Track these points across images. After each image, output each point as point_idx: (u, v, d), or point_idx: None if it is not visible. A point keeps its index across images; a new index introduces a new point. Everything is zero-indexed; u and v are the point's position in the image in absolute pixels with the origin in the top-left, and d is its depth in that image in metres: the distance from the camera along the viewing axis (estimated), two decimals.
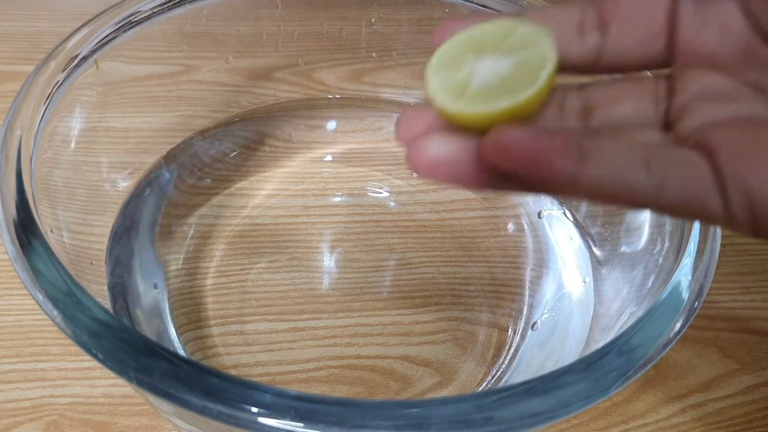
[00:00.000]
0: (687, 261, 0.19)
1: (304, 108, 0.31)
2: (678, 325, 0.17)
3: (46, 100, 0.21)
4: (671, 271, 0.19)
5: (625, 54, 0.14)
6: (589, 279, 0.25)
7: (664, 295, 0.18)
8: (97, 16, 0.23)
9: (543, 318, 0.25)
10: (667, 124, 0.14)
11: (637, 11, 0.14)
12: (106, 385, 0.24)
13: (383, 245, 0.27)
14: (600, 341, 0.22)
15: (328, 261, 0.27)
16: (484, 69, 0.14)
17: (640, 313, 0.18)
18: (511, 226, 0.28)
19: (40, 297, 0.16)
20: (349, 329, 0.25)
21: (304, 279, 0.26)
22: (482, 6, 0.27)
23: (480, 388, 0.24)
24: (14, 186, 0.18)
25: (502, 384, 0.24)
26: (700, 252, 0.19)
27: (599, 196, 0.12)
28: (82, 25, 0.23)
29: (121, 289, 0.24)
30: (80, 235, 0.23)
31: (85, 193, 0.24)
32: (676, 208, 0.12)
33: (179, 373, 0.15)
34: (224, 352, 0.24)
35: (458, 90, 0.14)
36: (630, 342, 0.17)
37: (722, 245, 0.19)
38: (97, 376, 0.24)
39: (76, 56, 0.22)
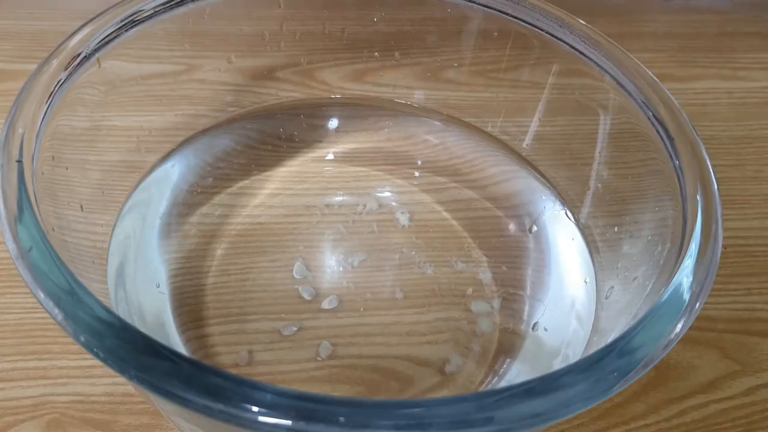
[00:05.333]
0: (688, 262, 0.19)
1: (306, 107, 0.31)
2: (679, 326, 0.17)
3: (48, 98, 0.21)
4: (672, 272, 0.19)
5: None
6: (590, 279, 0.25)
7: (665, 296, 0.18)
8: (100, 14, 0.23)
9: (543, 318, 0.25)
10: None
11: None
12: (107, 384, 0.24)
13: (384, 245, 0.27)
14: (601, 342, 0.22)
15: (330, 260, 0.27)
16: None
17: (641, 314, 0.18)
18: (512, 226, 0.28)
19: (42, 295, 0.16)
20: (350, 329, 0.25)
21: (305, 278, 0.26)
22: (485, 6, 0.27)
23: (480, 388, 0.24)
24: (16, 184, 0.18)
25: (502, 384, 0.24)
26: (701, 253, 0.19)
27: None
28: (85, 24, 0.23)
29: (122, 288, 0.24)
30: (82, 233, 0.23)
31: (87, 192, 0.24)
32: None
33: (180, 372, 0.15)
34: (225, 351, 0.24)
35: None
36: (631, 343, 0.17)
37: (724, 246, 0.19)
38: (98, 375, 0.24)
39: (79, 55, 0.22)
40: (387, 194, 0.29)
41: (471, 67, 0.31)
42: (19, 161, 0.19)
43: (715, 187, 0.21)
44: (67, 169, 0.22)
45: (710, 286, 0.18)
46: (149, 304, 0.24)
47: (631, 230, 0.25)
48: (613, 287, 0.24)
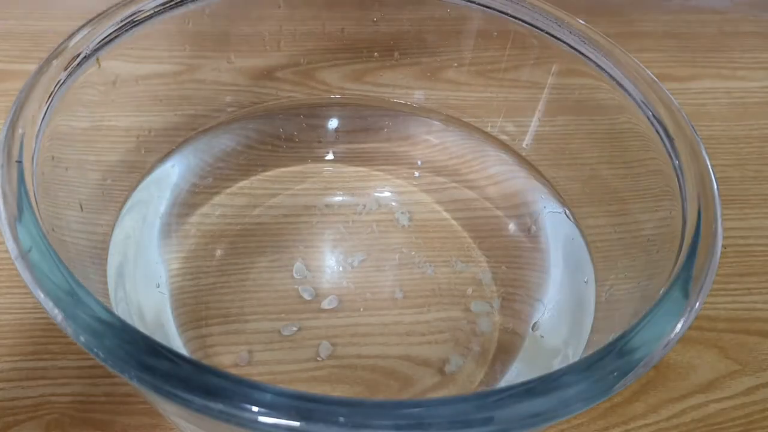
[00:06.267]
0: (688, 262, 0.19)
1: (306, 107, 0.31)
2: (679, 326, 0.17)
3: (48, 98, 0.21)
4: (672, 272, 0.19)
5: None
6: (590, 279, 0.25)
7: (665, 296, 0.18)
8: (99, 15, 0.23)
9: (543, 318, 0.25)
10: None
11: None
12: (107, 384, 0.24)
13: (384, 245, 0.27)
14: (601, 342, 0.22)
15: (329, 260, 0.27)
16: None
17: (641, 314, 0.18)
18: (511, 226, 0.28)
19: (42, 295, 0.16)
20: (350, 329, 0.25)
21: (305, 278, 0.26)
22: (484, 6, 0.27)
23: (480, 388, 0.24)
24: (16, 184, 0.18)
25: (502, 384, 0.24)
26: (701, 253, 0.19)
27: None
28: (84, 24, 0.23)
29: (122, 288, 0.24)
30: (82, 234, 0.23)
31: (86, 192, 0.24)
32: None
33: (180, 372, 0.15)
34: (225, 351, 0.24)
35: None
36: (631, 343, 0.17)
37: (724, 246, 0.19)
38: (98, 375, 0.24)
39: (79, 55, 0.22)
40: (387, 194, 0.29)
41: (471, 67, 0.31)
42: (19, 161, 0.19)
43: (715, 187, 0.21)
44: (66, 169, 0.22)
45: (710, 286, 0.18)
46: (149, 304, 0.24)
47: (631, 230, 0.25)
48: (613, 287, 0.24)
